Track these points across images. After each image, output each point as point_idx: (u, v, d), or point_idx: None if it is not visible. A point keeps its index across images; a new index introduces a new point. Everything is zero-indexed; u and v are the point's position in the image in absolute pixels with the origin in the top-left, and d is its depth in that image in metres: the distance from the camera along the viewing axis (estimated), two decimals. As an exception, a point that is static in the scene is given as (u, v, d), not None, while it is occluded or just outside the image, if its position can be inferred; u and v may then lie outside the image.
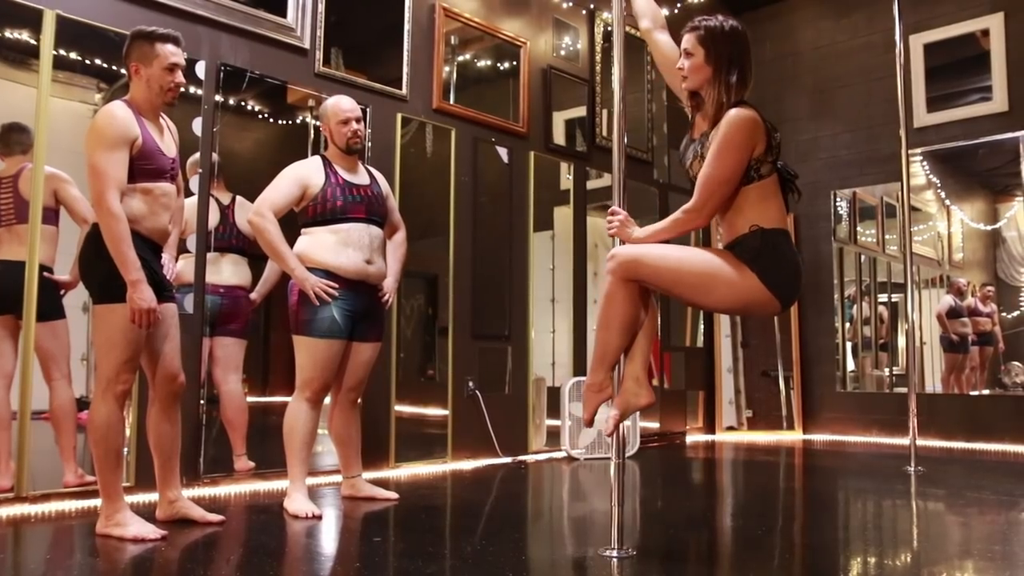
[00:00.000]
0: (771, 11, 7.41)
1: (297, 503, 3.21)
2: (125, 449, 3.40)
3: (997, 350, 6.30)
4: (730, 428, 6.83)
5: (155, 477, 2.96)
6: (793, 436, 6.70)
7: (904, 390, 6.72)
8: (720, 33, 2.40)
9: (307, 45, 4.33)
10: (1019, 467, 5.09)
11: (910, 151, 5.51)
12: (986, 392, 6.28)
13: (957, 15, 6.36)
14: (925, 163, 6.49)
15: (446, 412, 4.86)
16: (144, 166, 2.73)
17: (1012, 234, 6.27)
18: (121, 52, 2.85)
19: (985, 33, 6.27)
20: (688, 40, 2.44)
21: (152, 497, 3.20)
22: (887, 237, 6.92)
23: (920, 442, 4.82)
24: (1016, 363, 6.22)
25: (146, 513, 2.91)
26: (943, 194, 6.61)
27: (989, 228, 6.43)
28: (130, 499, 3.25)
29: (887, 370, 6.86)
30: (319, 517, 3.15)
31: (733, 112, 2.34)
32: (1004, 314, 6.25)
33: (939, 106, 6.41)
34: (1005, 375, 6.26)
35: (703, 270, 2.39)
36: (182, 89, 2.88)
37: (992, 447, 5.83)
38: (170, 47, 2.81)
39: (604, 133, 6.01)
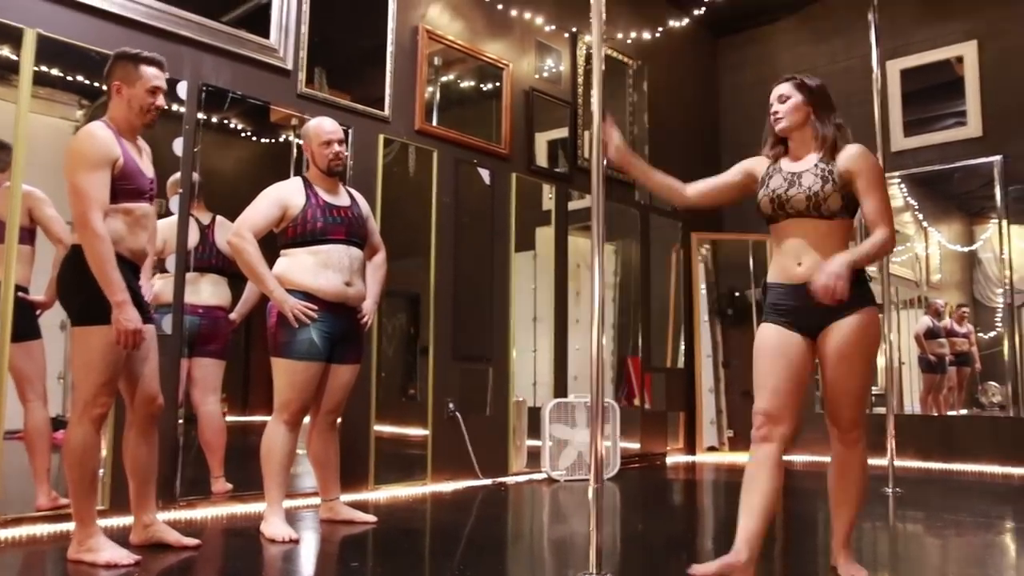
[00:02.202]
0: (751, 35, 7.51)
1: (274, 527, 3.18)
2: (101, 470, 3.37)
3: (974, 370, 6.36)
4: (711, 448, 6.84)
5: (130, 500, 2.92)
6: (773, 457, 6.70)
7: (882, 410, 6.78)
8: (813, 82, 2.64)
9: (290, 66, 4.34)
10: (995, 488, 5.13)
11: (888, 174, 5.58)
12: (963, 412, 6.33)
13: (933, 42, 6.48)
14: (903, 186, 6.57)
15: (426, 432, 4.84)
16: (125, 186, 2.72)
17: (988, 255, 6.35)
18: (103, 71, 2.85)
19: (959, 60, 6.38)
20: (784, 87, 2.65)
21: (127, 521, 3.16)
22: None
23: (898, 462, 4.84)
24: (992, 383, 6.29)
25: (120, 537, 2.88)
26: (920, 216, 6.70)
27: (965, 249, 6.51)
28: (104, 523, 3.21)
29: (866, 390, 6.88)
30: (296, 541, 3.12)
31: (861, 148, 2.57)
32: (980, 334, 6.32)
33: (916, 130, 6.52)
34: (982, 395, 6.33)
35: (873, 355, 2.60)
36: (162, 110, 2.87)
37: (969, 467, 5.87)
38: (153, 70, 2.82)
39: (586, 155, 6.05)
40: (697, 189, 2.80)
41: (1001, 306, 6.18)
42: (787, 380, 2.47)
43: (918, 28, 6.55)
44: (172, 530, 2.95)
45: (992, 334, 6.25)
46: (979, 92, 6.26)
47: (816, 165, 2.55)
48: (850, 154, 2.54)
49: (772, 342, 2.52)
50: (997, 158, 6.12)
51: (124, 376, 2.77)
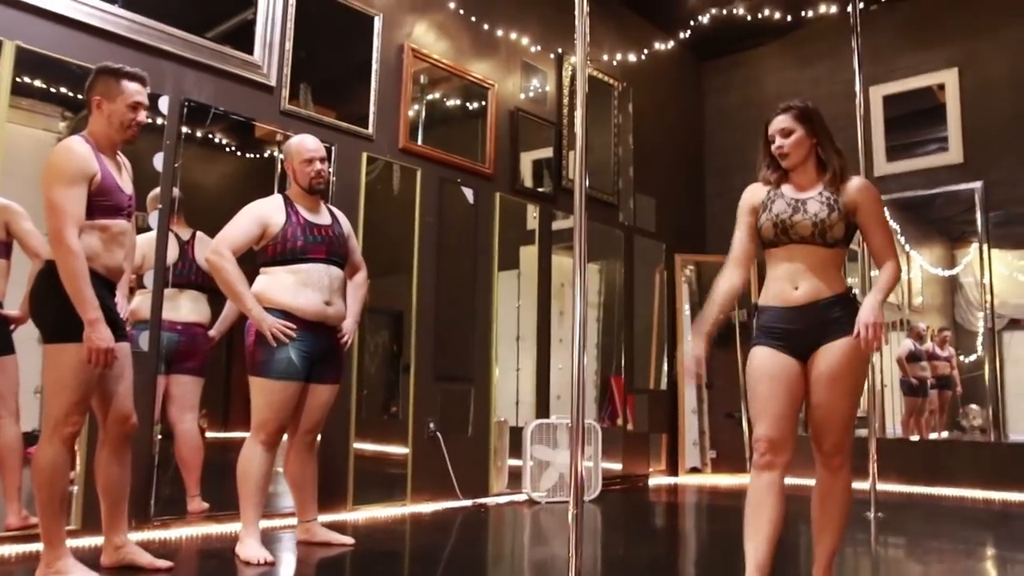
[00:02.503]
0: (736, 59, 7.56)
1: (249, 549, 3.13)
2: (75, 487, 3.31)
3: (955, 393, 6.39)
4: (694, 469, 6.81)
5: (102, 521, 2.86)
6: (755, 479, 6.68)
7: (864, 432, 6.79)
8: (811, 110, 2.65)
9: (273, 82, 4.32)
10: (976, 513, 5.13)
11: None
12: (945, 435, 6.35)
13: (915, 69, 6.55)
14: (885, 210, 6.60)
15: (407, 451, 4.79)
16: (102, 202, 2.69)
17: (969, 280, 6.39)
18: (85, 83, 2.82)
19: (941, 87, 6.45)
20: (785, 120, 2.64)
21: (98, 541, 3.09)
22: (849, 281, 7.01)
23: (880, 486, 4.83)
24: (973, 406, 6.32)
25: (91, 559, 2.82)
26: (903, 240, 6.73)
27: (947, 274, 6.56)
28: (75, 543, 3.16)
29: (848, 413, 6.89)
30: (272, 563, 3.07)
31: (865, 181, 2.65)
32: (962, 358, 6.35)
33: (898, 156, 6.57)
34: (963, 418, 6.36)
35: (862, 380, 2.63)
36: (143, 126, 2.84)
37: (951, 491, 5.87)
38: (135, 85, 2.79)
39: (571, 175, 6.05)
40: (741, 270, 2.74)
41: (982, 330, 6.21)
42: (787, 405, 2.49)
43: (900, 55, 6.61)
44: (144, 552, 2.89)
45: (973, 358, 6.29)
46: (960, 119, 6.32)
47: (821, 193, 2.58)
48: (856, 186, 2.59)
49: (768, 366, 2.52)
50: (978, 184, 6.18)
51: (97, 395, 2.72)
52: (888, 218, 2.73)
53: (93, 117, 2.78)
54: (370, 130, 4.77)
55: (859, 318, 2.42)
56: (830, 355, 2.47)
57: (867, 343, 2.39)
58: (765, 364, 2.53)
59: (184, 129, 3.94)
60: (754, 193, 2.73)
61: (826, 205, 2.55)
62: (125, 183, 2.83)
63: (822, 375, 2.48)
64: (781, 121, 2.65)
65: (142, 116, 2.81)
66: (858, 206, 2.56)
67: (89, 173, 2.65)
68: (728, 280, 2.73)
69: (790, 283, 2.55)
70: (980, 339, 6.23)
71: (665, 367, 6.88)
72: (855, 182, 2.61)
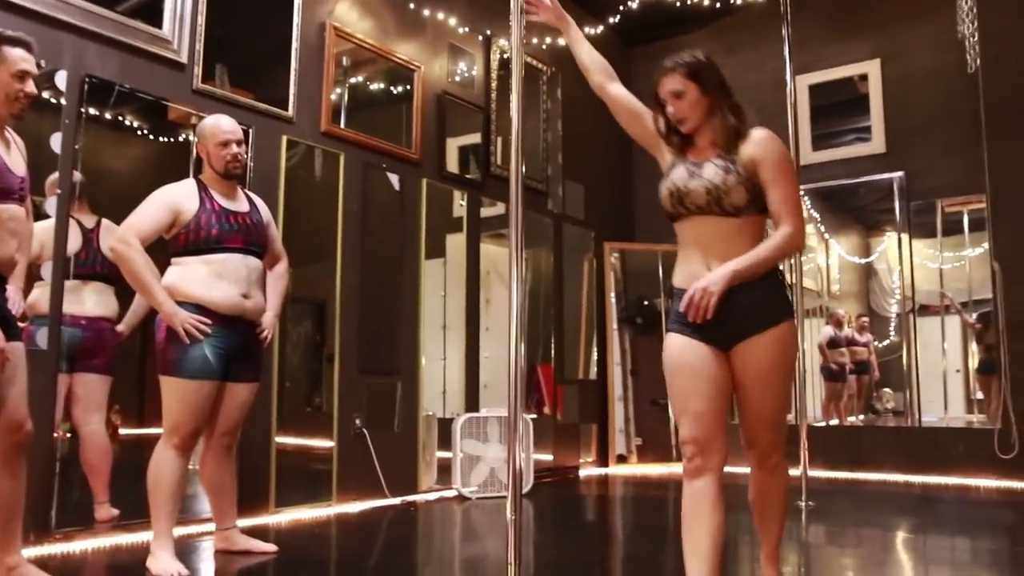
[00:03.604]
0: (664, 45, 7.48)
1: (161, 562, 2.90)
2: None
3: (872, 378, 6.54)
4: (620, 457, 6.78)
5: (-7, 538, 2.59)
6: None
7: (789, 418, 6.88)
8: (701, 64, 2.33)
9: (184, 59, 4.04)
10: (900, 497, 5.23)
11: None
12: (862, 418, 6.50)
13: (839, 59, 6.62)
14: (807, 198, 6.68)
15: (331, 444, 4.59)
16: (-13, 185, 2.42)
17: (883, 267, 6.55)
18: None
19: (863, 78, 6.53)
20: (673, 80, 2.32)
21: (-9, 559, 2.82)
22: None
23: (809, 473, 4.85)
24: (887, 390, 6.49)
25: (-19, 581, 2.56)
26: (822, 228, 6.83)
27: (863, 261, 6.68)
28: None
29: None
30: (186, 577, 2.85)
31: (766, 133, 2.30)
32: (876, 343, 6.49)
33: (822, 144, 6.64)
34: (877, 401, 6.53)
35: (792, 372, 2.37)
36: (32, 100, 2.56)
37: (873, 476, 5.98)
38: (20, 51, 2.50)
39: (499, 161, 5.90)
40: (616, 91, 2.54)
41: (894, 316, 6.36)
42: (711, 400, 2.20)
43: (826, 45, 6.67)
44: (41, 572, 2.62)
45: (887, 342, 6.44)
46: (882, 109, 6.41)
47: (719, 155, 2.28)
48: (754, 139, 2.27)
49: (686, 358, 2.23)
50: (899, 174, 6.28)
51: (-15, 401, 2.46)
52: (796, 175, 2.32)
53: None
54: (290, 112, 4.52)
55: (697, 282, 2.16)
56: (759, 353, 2.21)
57: (687, 308, 2.14)
58: (681, 356, 2.24)
59: (88, 109, 3.63)
60: (660, 135, 2.43)
61: (722, 168, 2.24)
62: (15, 163, 2.55)
63: (750, 373, 2.23)
64: (670, 82, 2.32)
65: (30, 86, 2.52)
66: (757, 162, 2.24)
67: (-29, 153, 2.38)
68: (608, 73, 2.58)
69: (702, 262, 2.25)
70: (893, 324, 6.38)
71: (595, 355, 6.82)
72: (754, 135, 2.28)
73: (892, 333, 6.43)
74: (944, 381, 6.20)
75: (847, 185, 6.57)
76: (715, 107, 2.31)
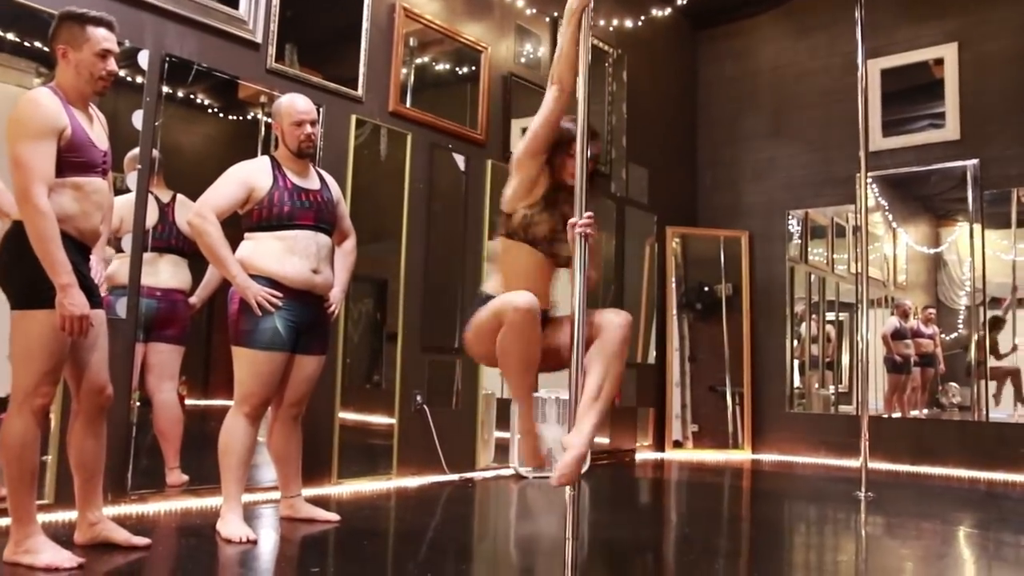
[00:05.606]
0: (731, 29, 7.40)
1: (231, 526, 3.01)
2: (47, 456, 3.17)
3: (937, 371, 6.39)
4: (676, 443, 6.76)
5: (75, 496, 2.73)
6: (742, 455, 6.66)
7: (849, 409, 6.78)
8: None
9: (259, 39, 4.13)
10: (963, 493, 5.12)
11: (870, 174, 5.53)
12: (926, 412, 6.36)
13: (913, 43, 6.43)
14: (875, 186, 6.54)
15: (392, 420, 4.68)
16: (73, 159, 2.51)
17: (952, 258, 6.36)
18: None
19: (939, 62, 6.34)
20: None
21: (72, 517, 2.96)
22: (835, 257, 6.98)
23: (869, 465, 4.78)
24: (953, 384, 6.33)
25: (64, 535, 2.70)
26: (890, 216, 6.67)
27: (932, 251, 6.51)
28: (48, 518, 3.03)
29: (831, 388, 6.90)
30: (254, 542, 2.95)
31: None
32: (944, 336, 6.34)
33: (893, 131, 6.47)
34: (943, 395, 6.37)
35: None
36: (115, 78, 2.66)
37: (936, 471, 5.86)
38: (102, 31, 2.60)
39: (563, 143, 5.89)
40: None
41: (963, 308, 6.19)
42: None
43: (899, 28, 6.49)
44: (121, 528, 2.76)
45: (954, 335, 6.28)
46: (957, 95, 6.21)
47: None
48: None
49: None
50: (974, 162, 6.10)
51: (70, 364, 2.57)
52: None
53: (60, 68, 2.59)
54: (359, 92, 4.59)
55: None
56: None
57: None
58: None
59: (165, 87, 3.75)
60: None
61: None
62: (99, 138, 2.65)
63: None
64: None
65: (112, 65, 2.62)
66: None
67: (58, 127, 2.48)
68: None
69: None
70: (961, 317, 6.21)
71: (653, 340, 6.80)
72: None
73: (960, 326, 6.27)
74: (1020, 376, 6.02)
75: (918, 173, 6.39)
76: None
